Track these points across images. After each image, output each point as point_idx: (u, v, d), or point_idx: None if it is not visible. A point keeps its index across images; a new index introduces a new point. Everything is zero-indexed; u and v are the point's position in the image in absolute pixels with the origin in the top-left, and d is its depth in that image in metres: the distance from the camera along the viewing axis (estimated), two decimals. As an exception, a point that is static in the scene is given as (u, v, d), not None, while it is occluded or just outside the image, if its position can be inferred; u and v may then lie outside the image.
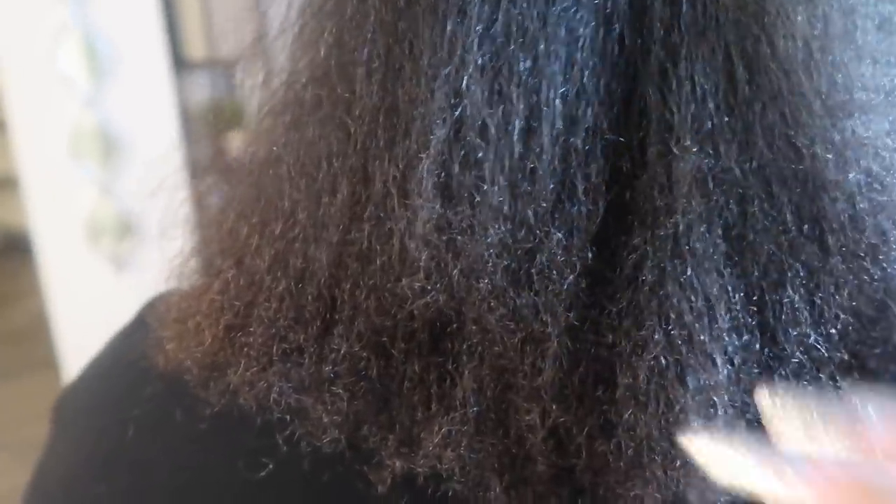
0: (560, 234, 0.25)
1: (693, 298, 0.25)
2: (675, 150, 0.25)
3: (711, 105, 0.25)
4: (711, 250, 0.25)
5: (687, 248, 0.25)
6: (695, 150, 0.25)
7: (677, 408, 0.25)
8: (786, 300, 0.25)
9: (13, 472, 1.99)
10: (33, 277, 2.26)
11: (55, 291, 2.14)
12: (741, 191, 0.25)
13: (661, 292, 0.25)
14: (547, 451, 0.25)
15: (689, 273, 0.25)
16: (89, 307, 2.19)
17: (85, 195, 2.07)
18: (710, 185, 0.25)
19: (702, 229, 0.25)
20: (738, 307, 0.25)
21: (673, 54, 0.25)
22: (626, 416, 0.25)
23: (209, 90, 2.63)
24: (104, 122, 2.04)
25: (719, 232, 0.25)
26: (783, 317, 0.25)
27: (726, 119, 0.25)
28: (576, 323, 0.26)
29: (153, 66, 2.07)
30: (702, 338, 0.25)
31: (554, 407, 0.25)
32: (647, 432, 0.25)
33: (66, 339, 2.19)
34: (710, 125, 0.25)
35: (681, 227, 0.25)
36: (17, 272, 3.27)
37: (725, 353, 0.25)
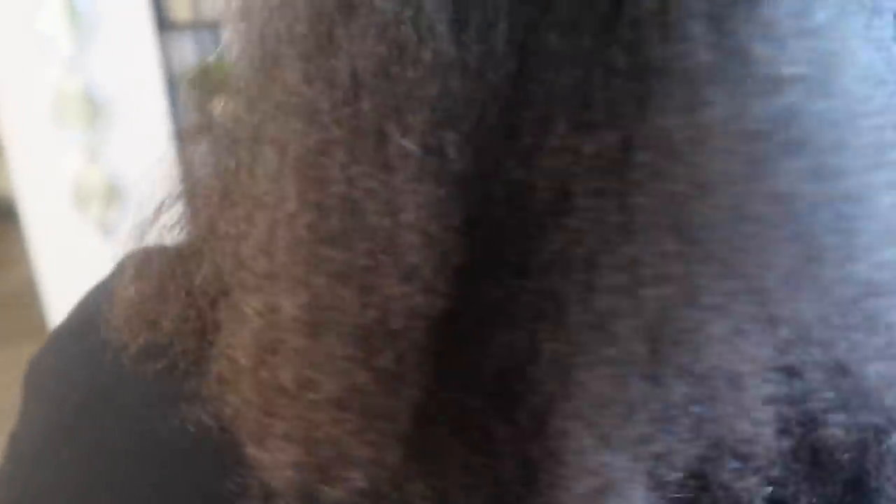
0: None
1: None
2: None
3: None
4: None
5: None
6: None
7: None
8: None
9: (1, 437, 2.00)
10: (21, 244, 2.24)
11: (43, 258, 2.13)
12: None
13: None
14: None
15: None
16: (78, 274, 2.16)
17: (70, 161, 2.04)
18: None
19: None
20: None
21: None
22: None
23: (195, 52, 2.58)
24: (88, 86, 2.01)
25: None
26: None
27: None
28: None
29: (137, 27, 2.03)
30: None
31: None
32: None
33: (56, 305, 2.18)
34: None
35: None
36: (5, 239, 3.24)
37: None
